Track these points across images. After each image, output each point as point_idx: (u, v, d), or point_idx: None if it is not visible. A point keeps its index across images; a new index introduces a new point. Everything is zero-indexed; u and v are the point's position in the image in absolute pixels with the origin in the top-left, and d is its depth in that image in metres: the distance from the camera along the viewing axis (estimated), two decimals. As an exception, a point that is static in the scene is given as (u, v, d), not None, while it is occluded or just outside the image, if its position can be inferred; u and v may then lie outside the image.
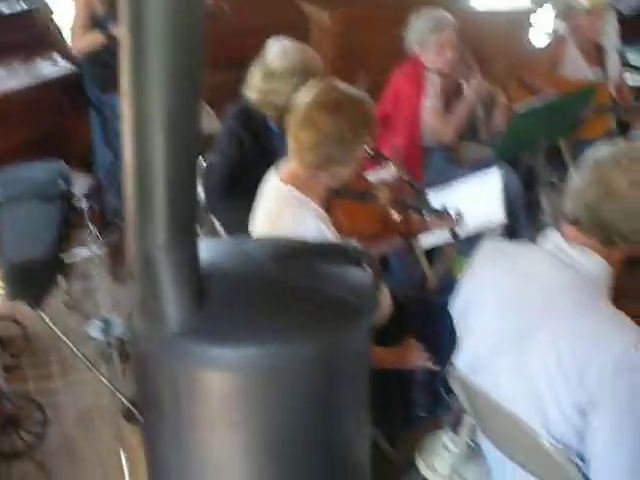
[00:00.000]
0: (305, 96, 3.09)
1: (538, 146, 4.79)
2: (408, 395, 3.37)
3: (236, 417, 2.19)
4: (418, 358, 3.25)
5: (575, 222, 2.44)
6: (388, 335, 3.16)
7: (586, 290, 2.39)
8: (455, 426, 2.98)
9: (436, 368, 3.21)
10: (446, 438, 3.02)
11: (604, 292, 2.43)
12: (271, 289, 2.27)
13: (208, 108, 5.07)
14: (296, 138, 3.05)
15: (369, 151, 3.14)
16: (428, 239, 4.05)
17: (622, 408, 2.24)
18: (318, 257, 2.47)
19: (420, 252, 4.16)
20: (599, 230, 2.40)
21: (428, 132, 4.90)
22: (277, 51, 3.90)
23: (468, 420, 2.84)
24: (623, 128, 5.55)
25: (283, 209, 3.07)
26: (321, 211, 3.09)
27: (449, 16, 4.83)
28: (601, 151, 2.46)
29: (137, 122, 1.83)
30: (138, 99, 1.81)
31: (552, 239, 2.49)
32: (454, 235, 3.68)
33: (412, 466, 3.08)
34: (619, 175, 2.36)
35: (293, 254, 2.42)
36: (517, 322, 2.43)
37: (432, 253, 4.33)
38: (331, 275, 2.39)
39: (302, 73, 3.87)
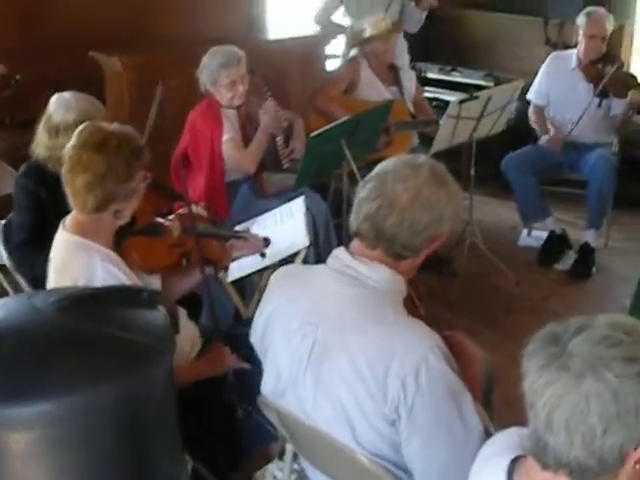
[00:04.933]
0: (71, 141, 3.05)
1: (341, 168, 4.84)
2: (232, 431, 3.33)
3: (39, 475, 2.13)
4: (229, 359, 3.25)
5: (359, 235, 2.48)
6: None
7: (377, 302, 2.42)
8: (282, 454, 2.96)
9: (248, 366, 3.20)
10: (275, 468, 3.00)
11: (397, 302, 2.47)
12: (59, 340, 2.22)
13: (10, 168, 4.95)
14: (71, 184, 2.99)
15: (148, 182, 3.12)
16: (237, 270, 4.06)
17: (428, 412, 2.28)
18: (107, 302, 2.44)
19: (227, 284, 4.17)
20: (383, 243, 2.44)
21: (230, 166, 4.90)
22: (59, 105, 3.83)
23: (289, 446, 2.84)
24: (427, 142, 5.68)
25: (70, 259, 3.00)
26: (111, 254, 3.04)
27: (238, 51, 4.85)
28: (383, 165, 2.51)
29: None
30: None
31: (340, 256, 2.51)
32: (262, 254, 3.71)
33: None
34: (400, 188, 2.41)
35: (81, 302, 2.38)
36: (313, 342, 2.44)
37: (244, 284, 4.35)
38: (121, 319, 2.36)
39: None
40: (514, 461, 1.85)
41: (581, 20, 6.10)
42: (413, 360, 2.26)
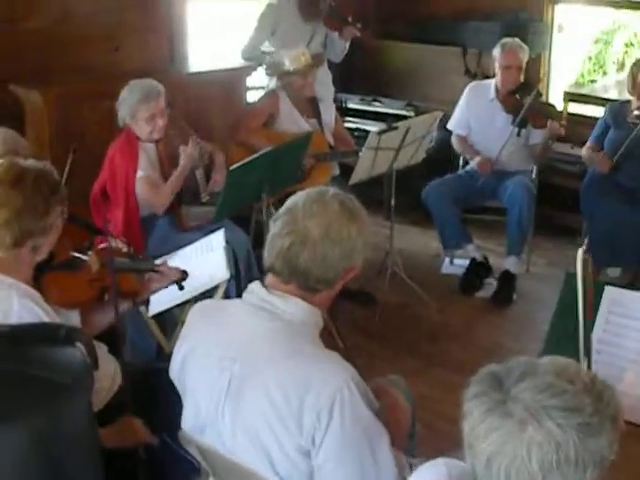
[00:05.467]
0: None
1: (261, 200, 4.84)
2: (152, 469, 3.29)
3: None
4: (138, 433, 3.19)
5: (273, 270, 2.49)
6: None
7: (293, 335, 2.43)
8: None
9: (155, 442, 3.16)
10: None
11: (314, 334, 2.49)
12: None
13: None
14: None
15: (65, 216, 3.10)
16: (157, 304, 4.04)
17: (341, 445, 2.30)
18: (23, 339, 2.41)
19: (148, 318, 4.15)
20: (297, 278, 2.45)
21: (142, 203, 4.88)
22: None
23: (212, 481, 2.82)
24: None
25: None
26: (29, 289, 3.00)
27: (157, 84, 4.84)
28: (294, 200, 2.52)
29: None
30: None
31: (255, 291, 2.52)
32: (180, 287, 3.69)
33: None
34: (311, 224, 2.42)
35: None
36: (231, 376, 2.44)
37: (165, 318, 4.33)
38: (37, 356, 2.34)
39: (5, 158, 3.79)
40: None
41: (496, 51, 6.19)
42: (328, 393, 2.28)
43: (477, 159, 6.26)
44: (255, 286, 2.54)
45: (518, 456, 1.64)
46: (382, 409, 2.48)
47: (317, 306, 2.52)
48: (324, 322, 2.61)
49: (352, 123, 7.60)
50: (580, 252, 2.65)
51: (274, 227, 2.50)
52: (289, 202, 2.53)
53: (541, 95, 6.34)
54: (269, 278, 2.52)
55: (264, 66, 6.53)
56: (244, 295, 2.56)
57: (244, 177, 4.69)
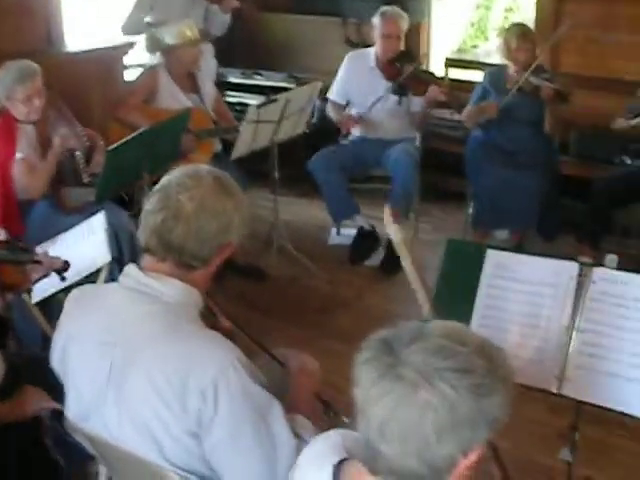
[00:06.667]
0: None
1: (142, 179, 4.79)
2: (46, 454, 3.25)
3: None
4: (39, 401, 3.14)
5: (148, 250, 2.46)
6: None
7: (172, 317, 2.39)
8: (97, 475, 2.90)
9: (59, 406, 3.11)
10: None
11: (193, 315, 2.46)
12: None
13: None
14: None
15: None
16: (41, 291, 3.96)
17: (231, 425, 2.28)
18: None
19: (32, 306, 4.07)
20: (172, 255, 2.42)
21: (19, 186, 4.78)
22: None
23: (102, 468, 2.79)
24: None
25: None
26: None
27: (34, 65, 4.76)
28: (168, 177, 2.49)
29: None
30: None
31: (131, 273, 2.48)
32: (62, 278, 3.62)
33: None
34: (184, 198, 2.40)
35: None
36: (111, 362, 2.39)
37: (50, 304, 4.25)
38: None
39: None
40: (339, 464, 1.86)
41: (376, 20, 6.21)
42: (212, 373, 2.25)
43: (344, 113, 6.34)
44: (131, 269, 2.49)
45: (411, 418, 1.64)
46: (289, 374, 2.47)
47: (195, 286, 2.48)
48: (206, 302, 2.59)
49: (233, 97, 7.55)
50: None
51: (148, 204, 2.46)
52: (163, 179, 2.50)
53: (421, 63, 6.37)
54: (145, 259, 2.48)
55: (144, 43, 6.42)
56: (120, 278, 2.52)
57: (123, 157, 4.65)
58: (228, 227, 2.45)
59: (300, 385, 2.77)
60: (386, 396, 1.67)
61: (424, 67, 6.95)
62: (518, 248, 5.88)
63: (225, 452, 2.31)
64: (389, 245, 6.09)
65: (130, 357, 2.36)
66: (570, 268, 2.94)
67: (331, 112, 6.49)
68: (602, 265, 2.92)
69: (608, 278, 2.88)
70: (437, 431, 1.64)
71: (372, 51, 6.38)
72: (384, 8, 6.28)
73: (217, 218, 2.42)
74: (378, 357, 1.71)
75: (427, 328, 1.75)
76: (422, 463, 1.67)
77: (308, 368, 2.89)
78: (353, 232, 6.35)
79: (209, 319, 2.63)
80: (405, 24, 6.24)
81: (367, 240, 6.29)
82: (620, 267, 2.91)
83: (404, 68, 6.04)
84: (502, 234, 6.30)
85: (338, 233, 6.58)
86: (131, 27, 6.56)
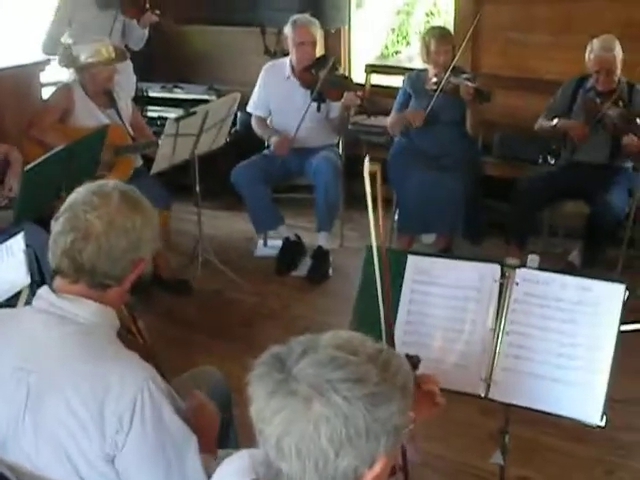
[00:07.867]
0: None
1: (60, 198, 4.69)
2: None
3: None
4: None
5: (60, 271, 2.41)
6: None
7: (86, 339, 2.34)
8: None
9: None
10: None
11: (109, 335, 2.42)
12: None
13: None
14: None
15: None
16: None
17: (146, 446, 2.25)
18: None
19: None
20: (84, 276, 2.38)
21: None
22: None
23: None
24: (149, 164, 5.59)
25: None
26: None
27: None
28: (74, 196, 2.45)
29: None
30: None
31: (44, 296, 2.42)
32: None
33: None
34: (92, 217, 2.36)
35: None
36: (28, 388, 2.33)
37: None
38: None
39: None
40: None
41: (288, 29, 6.19)
42: (129, 395, 2.22)
43: (273, 139, 6.25)
44: (43, 291, 2.44)
45: (306, 434, 1.60)
46: (189, 413, 2.44)
47: (110, 305, 2.44)
48: (124, 320, 2.54)
49: (155, 112, 7.51)
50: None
51: (56, 225, 2.42)
52: (70, 198, 2.46)
53: (337, 68, 6.33)
54: (57, 281, 2.43)
55: (58, 57, 6.31)
56: (33, 301, 2.46)
57: (40, 176, 4.56)
58: (139, 243, 2.41)
59: (203, 427, 2.70)
60: (280, 412, 1.63)
61: (344, 73, 6.92)
62: (445, 251, 5.91)
63: (134, 471, 2.27)
64: (316, 254, 6.08)
65: (46, 381, 2.30)
66: (492, 270, 2.94)
67: (257, 128, 6.46)
68: (524, 266, 2.92)
69: (530, 279, 2.90)
70: (334, 444, 1.60)
71: (287, 61, 6.36)
72: (295, 16, 6.25)
73: (127, 235, 2.38)
74: (270, 373, 1.67)
75: (319, 340, 1.71)
76: (324, 479, 1.63)
77: (208, 408, 2.80)
78: (279, 243, 6.32)
79: (127, 338, 2.57)
80: (317, 30, 6.24)
81: (293, 250, 6.27)
82: (542, 267, 2.91)
83: (320, 74, 6.01)
84: (429, 238, 6.31)
85: (265, 244, 6.56)
86: (51, 46, 6.48)
